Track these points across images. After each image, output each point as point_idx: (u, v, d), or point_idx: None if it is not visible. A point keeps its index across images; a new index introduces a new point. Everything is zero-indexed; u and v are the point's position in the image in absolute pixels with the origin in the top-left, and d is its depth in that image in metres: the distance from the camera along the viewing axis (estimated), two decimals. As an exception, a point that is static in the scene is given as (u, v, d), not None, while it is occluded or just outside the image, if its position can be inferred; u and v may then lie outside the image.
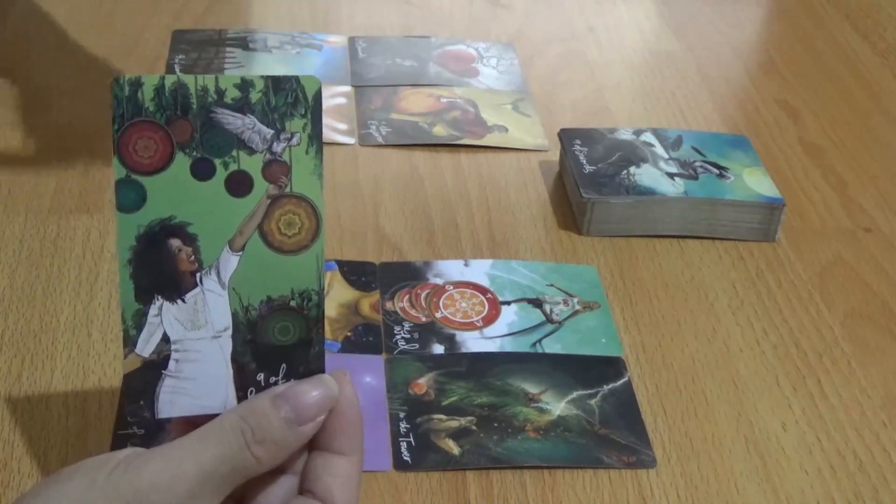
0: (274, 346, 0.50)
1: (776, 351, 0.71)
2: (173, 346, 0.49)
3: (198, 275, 0.48)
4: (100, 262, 0.72)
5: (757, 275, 0.77)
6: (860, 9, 1.15)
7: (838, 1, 1.16)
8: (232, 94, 0.47)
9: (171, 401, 0.49)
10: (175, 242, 0.48)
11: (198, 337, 0.49)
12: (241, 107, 0.47)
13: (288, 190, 0.47)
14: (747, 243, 0.80)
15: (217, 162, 0.47)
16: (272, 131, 0.47)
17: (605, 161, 0.82)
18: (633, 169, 0.81)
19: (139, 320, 0.49)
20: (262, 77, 0.47)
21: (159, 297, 0.48)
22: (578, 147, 0.83)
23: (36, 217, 0.75)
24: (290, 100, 0.47)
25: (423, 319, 0.70)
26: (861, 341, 0.72)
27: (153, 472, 0.45)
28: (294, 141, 0.47)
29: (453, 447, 0.62)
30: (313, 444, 0.49)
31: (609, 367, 0.68)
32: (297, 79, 0.47)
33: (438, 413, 0.64)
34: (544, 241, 0.79)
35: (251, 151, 0.47)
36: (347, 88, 0.93)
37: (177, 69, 0.93)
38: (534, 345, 0.69)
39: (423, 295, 0.72)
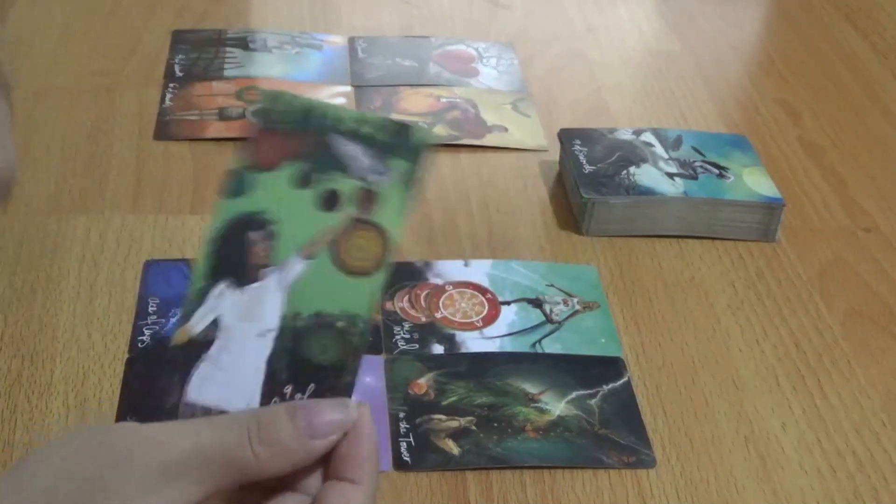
0: (310, 362, 0.51)
1: (776, 351, 0.71)
2: (220, 333, 0.51)
3: (264, 270, 0.51)
4: (100, 262, 0.72)
5: (757, 275, 0.77)
6: (860, 9, 1.15)
7: (838, 1, 1.16)
8: (348, 124, 0.51)
9: (201, 386, 0.51)
10: (255, 235, 0.51)
11: (245, 330, 0.51)
12: (353, 136, 0.51)
13: (370, 217, 0.50)
14: (747, 243, 0.80)
15: (317, 175, 0.51)
16: (374, 164, 0.50)
17: (605, 161, 0.82)
18: (632, 169, 0.81)
19: (201, 298, 0.51)
20: (381, 117, 0.51)
21: (224, 281, 0.51)
22: (578, 147, 0.83)
23: (36, 217, 0.75)
24: (398, 142, 0.50)
25: (423, 319, 0.70)
26: (861, 341, 0.72)
27: (149, 429, 0.46)
28: (387, 177, 0.49)
29: (453, 447, 0.62)
30: (328, 473, 0.49)
31: (609, 368, 0.68)
32: (408, 127, 0.50)
33: (438, 413, 0.64)
34: (544, 241, 0.79)
35: (349, 176, 0.50)
36: (347, 88, 0.93)
37: (177, 69, 0.93)
38: (534, 345, 0.69)
39: (422, 295, 0.72)
